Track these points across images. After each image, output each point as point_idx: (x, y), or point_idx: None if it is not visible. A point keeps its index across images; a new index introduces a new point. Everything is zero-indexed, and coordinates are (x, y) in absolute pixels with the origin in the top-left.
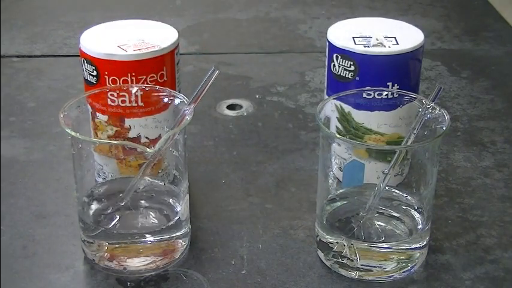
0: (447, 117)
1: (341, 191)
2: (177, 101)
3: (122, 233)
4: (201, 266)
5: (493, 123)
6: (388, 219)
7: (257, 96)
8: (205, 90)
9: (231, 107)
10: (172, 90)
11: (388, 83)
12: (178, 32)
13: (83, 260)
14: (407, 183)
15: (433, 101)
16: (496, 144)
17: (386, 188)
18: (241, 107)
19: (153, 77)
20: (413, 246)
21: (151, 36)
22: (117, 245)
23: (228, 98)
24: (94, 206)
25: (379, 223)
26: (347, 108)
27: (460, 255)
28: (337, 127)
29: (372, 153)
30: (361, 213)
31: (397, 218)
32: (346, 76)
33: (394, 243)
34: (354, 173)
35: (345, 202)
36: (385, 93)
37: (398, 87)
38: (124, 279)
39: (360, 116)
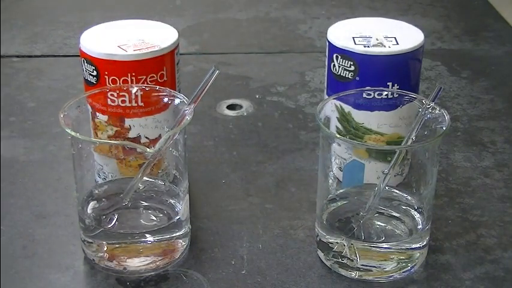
0: (447, 117)
1: (341, 191)
2: (177, 101)
3: (121, 233)
4: (201, 266)
5: (493, 123)
6: (388, 219)
7: (257, 96)
8: (205, 90)
9: (231, 107)
10: (172, 90)
11: (388, 83)
12: (178, 32)
13: (83, 260)
14: (407, 183)
15: (433, 101)
16: (496, 144)
17: (387, 188)
18: (241, 107)
19: (153, 77)
20: (413, 246)
21: (151, 36)
22: (117, 245)
23: (228, 98)
24: (94, 206)
25: (379, 223)
26: (347, 108)
27: (460, 255)
28: (337, 127)
29: (372, 153)
30: (361, 213)
31: (397, 218)
32: (346, 76)
33: (394, 243)
34: (354, 173)
35: (345, 202)
36: (385, 93)
37: (398, 87)
38: (124, 279)
39: (360, 116)
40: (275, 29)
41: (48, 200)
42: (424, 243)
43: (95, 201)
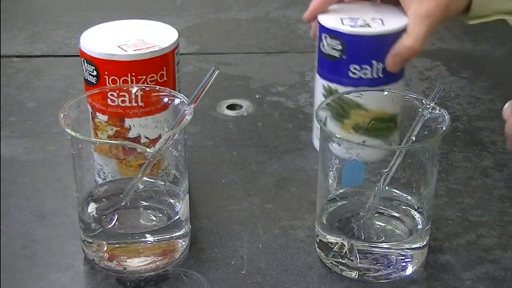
0: (447, 117)
1: (341, 191)
2: (177, 101)
3: (121, 233)
4: (201, 266)
5: (493, 123)
6: (388, 219)
7: (257, 96)
8: (205, 90)
9: (231, 107)
10: (172, 90)
11: (372, 62)
12: (178, 32)
13: (83, 260)
14: (407, 183)
15: (433, 101)
16: (496, 144)
17: (387, 188)
18: (241, 107)
19: (153, 77)
20: (413, 246)
21: (151, 36)
22: (117, 245)
23: (228, 98)
24: (94, 206)
25: (379, 223)
26: (334, 86)
27: (460, 255)
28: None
29: (357, 130)
30: (361, 213)
31: (397, 218)
32: (334, 55)
33: (394, 243)
34: (354, 173)
35: (345, 202)
36: (370, 72)
37: (383, 66)
38: (124, 279)
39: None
40: (275, 29)
41: (48, 200)
42: (424, 243)
43: (95, 201)
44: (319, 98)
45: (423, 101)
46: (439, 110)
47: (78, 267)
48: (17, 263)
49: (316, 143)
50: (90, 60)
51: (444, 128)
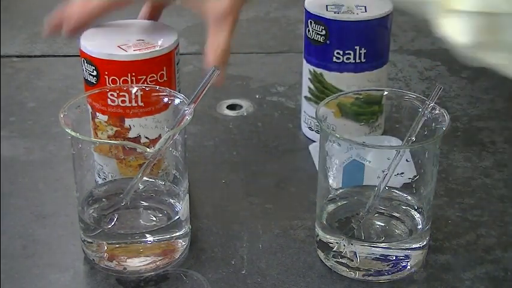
0: (447, 117)
1: (341, 191)
2: (177, 101)
3: (121, 233)
4: (201, 266)
5: (493, 123)
6: (388, 219)
7: (257, 96)
8: (205, 90)
9: (231, 107)
10: (172, 90)
11: (355, 47)
12: (178, 32)
13: (83, 260)
14: (407, 183)
15: (433, 101)
16: (496, 144)
17: (386, 188)
18: (241, 107)
19: (153, 77)
20: (413, 246)
21: (151, 36)
22: (117, 245)
23: (228, 98)
24: (94, 206)
25: (379, 223)
26: (319, 70)
27: (460, 255)
28: (309, 87)
29: (344, 112)
30: (361, 213)
31: (397, 218)
32: (319, 40)
33: (394, 243)
34: (354, 173)
35: (345, 202)
36: (353, 56)
37: (365, 51)
38: (124, 279)
39: (331, 77)
40: (275, 29)
41: (48, 200)
42: (424, 243)
43: (95, 201)
44: (306, 83)
45: (423, 101)
46: (439, 110)
47: (78, 267)
48: (17, 263)
49: (305, 129)
50: (90, 60)
51: (444, 128)
